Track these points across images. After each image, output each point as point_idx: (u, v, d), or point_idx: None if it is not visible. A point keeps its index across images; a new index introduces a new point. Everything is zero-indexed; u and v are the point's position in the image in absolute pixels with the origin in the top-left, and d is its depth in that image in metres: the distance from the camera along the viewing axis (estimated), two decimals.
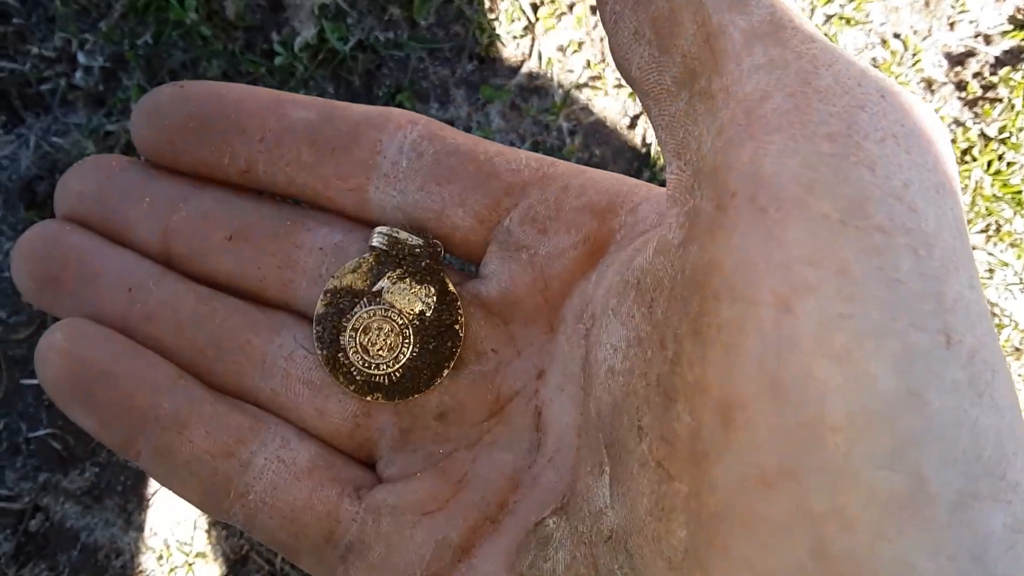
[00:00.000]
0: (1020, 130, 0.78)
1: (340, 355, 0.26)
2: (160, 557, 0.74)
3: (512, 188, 0.25)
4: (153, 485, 0.76)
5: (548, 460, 0.24)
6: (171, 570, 0.74)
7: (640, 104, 0.19)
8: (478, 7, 0.77)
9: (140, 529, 0.75)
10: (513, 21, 0.78)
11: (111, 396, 0.25)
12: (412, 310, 0.26)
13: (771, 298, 0.15)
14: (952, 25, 0.82)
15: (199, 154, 0.26)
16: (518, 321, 0.26)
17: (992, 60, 0.81)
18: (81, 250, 0.26)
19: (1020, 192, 0.78)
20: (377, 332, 0.26)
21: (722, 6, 0.18)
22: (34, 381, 0.75)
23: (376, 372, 0.26)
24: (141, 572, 0.75)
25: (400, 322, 0.26)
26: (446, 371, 0.26)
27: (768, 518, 0.15)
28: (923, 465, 0.14)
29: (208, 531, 0.75)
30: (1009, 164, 0.79)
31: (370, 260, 0.26)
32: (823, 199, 0.15)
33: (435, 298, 0.26)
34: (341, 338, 0.26)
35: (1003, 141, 0.79)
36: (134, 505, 0.75)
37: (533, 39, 0.78)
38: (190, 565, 0.74)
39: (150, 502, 0.75)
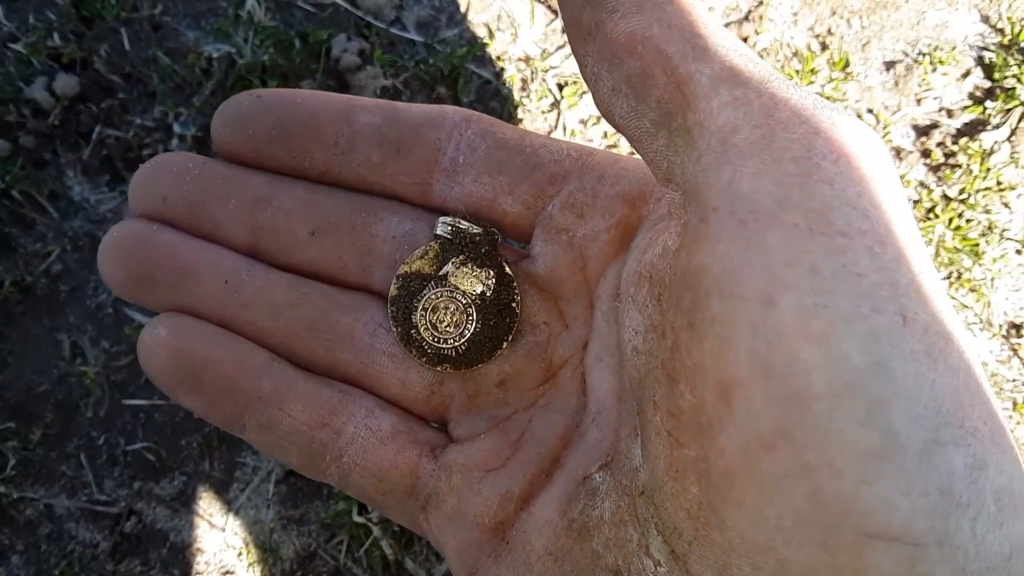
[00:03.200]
0: (977, 191, 0.83)
1: (412, 332, 0.27)
2: (240, 554, 0.80)
3: (555, 177, 0.27)
4: (233, 491, 0.81)
5: (592, 420, 0.25)
6: (249, 565, 0.80)
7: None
8: (512, 87, 0.86)
9: (222, 530, 0.81)
10: (542, 99, 0.86)
11: (215, 380, 0.26)
12: (474, 291, 0.27)
13: (756, 294, 0.17)
14: (919, 101, 0.87)
15: (281, 158, 0.27)
16: (564, 297, 0.27)
17: (954, 131, 0.86)
18: (173, 247, 0.26)
19: (977, 245, 0.83)
20: (444, 311, 0.27)
21: (687, 58, 0.19)
22: (134, 402, 0.82)
23: (444, 346, 0.27)
24: (223, 567, 0.80)
25: (464, 302, 0.27)
26: (505, 343, 0.27)
27: (771, 473, 0.16)
28: (893, 421, 0.15)
29: (281, 532, 0.81)
30: (968, 221, 0.84)
31: (435, 247, 0.27)
32: (793, 211, 0.17)
33: (494, 280, 0.27)
34: (413, 317, 0.27)
35: (962, 201, 0.84)
36: (216, 509, 0.81)
37: (559, 114, 0.86)
38: (265, 561, 0.80)
39: (231, 506, 0.81)
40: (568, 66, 0.87)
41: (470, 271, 0.27)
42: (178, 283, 0.26)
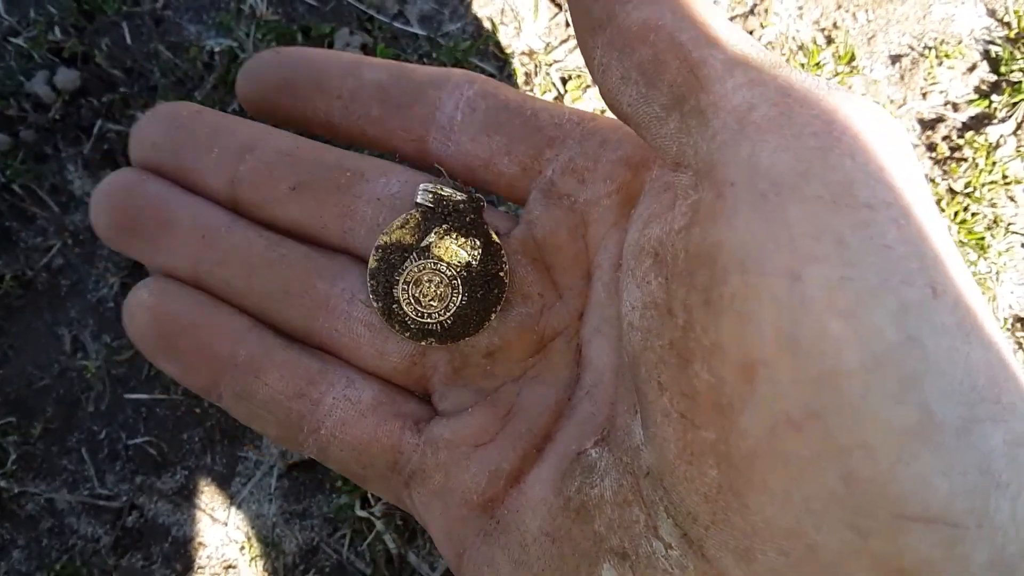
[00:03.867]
0: (983, 185, 0.83)
1: (394, 306, 0.26)
2: (242, 548, 0.80)
3: (553, 140, 0.26)
4: (235, 485, 0.81)
5: (586, 393, 0.25)
6: (251, 560, 0.80)
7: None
8: (515, 81, 0.86)
9: (224, 524, 0.81)
10: (545, 92, 0.86)
11: (193, 346, 0.25)
12: (459, 262, 0.26)
13: (780, 268, 0.16)
14: (925, 95, 0.86)
15: (287, 107, 0.27)
16: (560, 267, 0.26)
17: (959, 125, 0.86)
18: (157, 198, 0.26)
19: (983, 239, 0.83)
20: (427, 284, 0.26)
21: (700, 44, 0.19)
22: (135, 396, 0.82)
23: (429, 320, 0.26)
24: (225, 561, 0.81)
25: (448, 274, 0.26)
26: (493, 315, 0.26)
27: (800, 455, 0.16)
28: (928, 398, 0.15)
29: (284, 526, 0.81)
30: (973, 215, 0.83)
31: (416, 216, 0.26)
32: (816, 184, 0.16)
33: (480, 250, 0.26)
34: (394, 291, 0.26)
35: (968, 195, 0.84)
36: (218, 503, 0.81)
37: None
38: (268, 555, 0.80)
39: (233, 501, 0.81)
40: (572, 60, 0.87)
41: (454, 241, 0.26)
42: (157, 235, 0.26)
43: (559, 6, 0.88)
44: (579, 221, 0.26)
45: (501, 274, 0.26)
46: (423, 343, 0.26)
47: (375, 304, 0.26)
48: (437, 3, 0.88)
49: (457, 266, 0.26)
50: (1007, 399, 0.15)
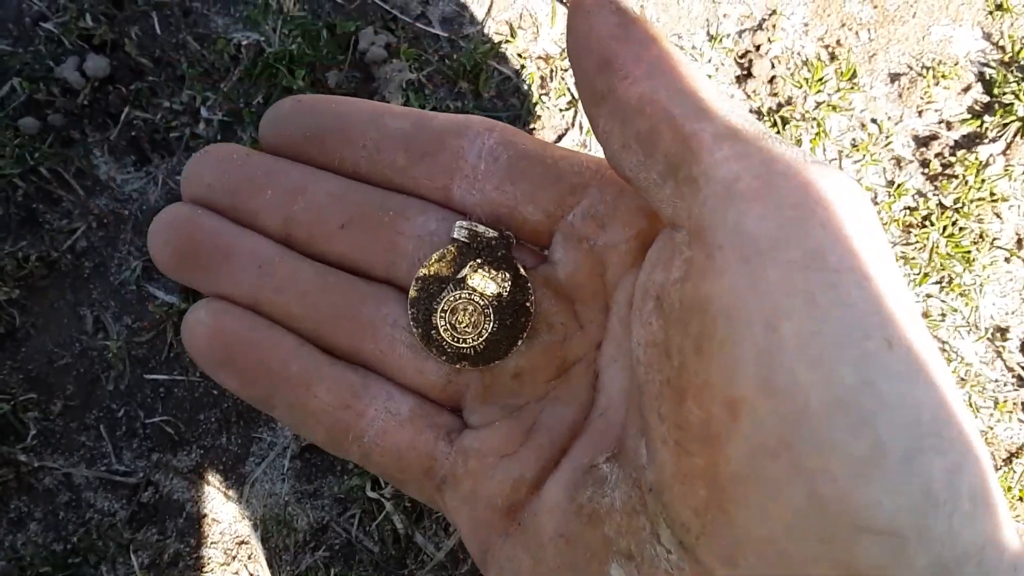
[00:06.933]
0: (971, 201, 0.87)
1: (433, 332, 0.28)
2: (255, 525, 0.82)
3: (575, 188, 0.28)
4: (249, 465, 0.84)
5: (600, 414, 0.27)
6: (263, 536, 0.82)
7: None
8: (531, 84, 0.88)
9: (237, 502, 0.83)
10: (560, 96, 0.89)
11: (250, 362, 0.28)
12: (491, 293, 0.28)
13: (760, 320, 0.18)
14: (920, 113, 0.90)
15: (315, 157, 0.29)
16: (581, 300, 0.28)
17: (952, 143, 0.89)
18: (215, 231, 0.28)
19: (969, 252, 0.86)
20: (463, 312, 0.28)
21: (691, 118, 0.21)
22: (154, 376, 0.85)
23: (463, 345, 0.28)
24: (237, 537, 0.83)
25: (481, 303, 0.28)
26: (521, 342, 0.28)
27: (774, 477, 0.18)
28: (879, 432, 0.17)
29: (295, 505, 0.83)
30: (961, 229, 0.87)
31: (453, 250, 0.28)
32: (792, 249, 0.19)
33: (510, 282, 0.28)
34: (433, 318, 0.28)
35: (957, 210, 0.87)
36: (232, 481, 0.84)
37: (575, 112, 0.89)
38: (280, 532, 0.82)
39: (247, 479, 0.84)
40: None
41: (487, 274, 0.28)
42: (218, 264, 0.28)
43: None
44: (599, 262, 0.27)
45: (528, 304, 0.28)
46: (458, 366, 0.28)
47: (415, 330, 0.28)
48: (458, 5, 0.91)
49: (489, 297, 0.28)
50: (947, 433, 0.18)
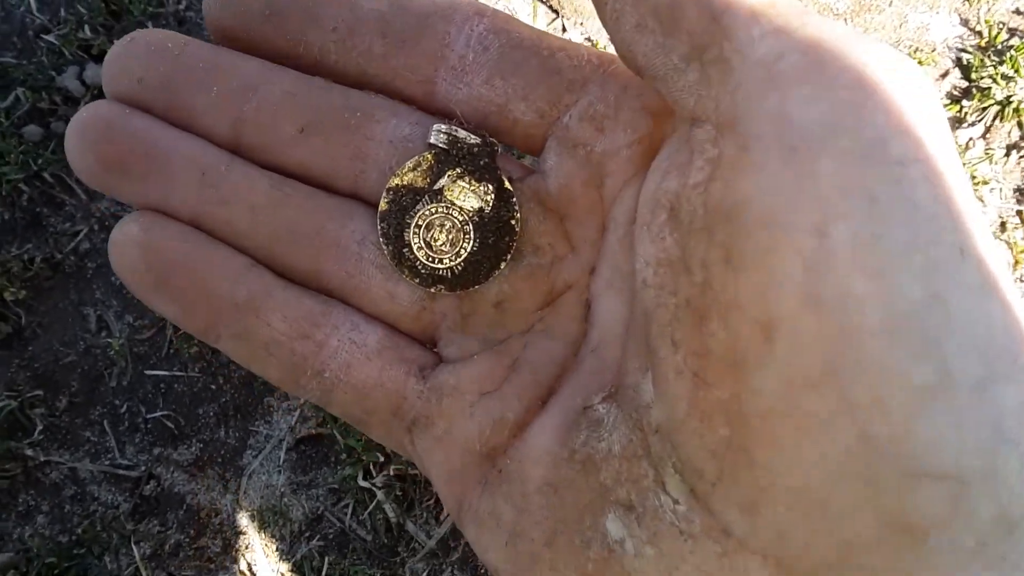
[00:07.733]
0: None
1: (405, 250, 0.25)
2: (252, 516, 0.84)
3: (573, 84, 0.24)
4: (247, 457, 0.85)
5: (592, 351, 0.24)
6: (260, 527, 0.84)
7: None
8: None
9: (235, 493, 0.85)
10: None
11: (188, 284, 0.24)
12: (471, 207, 0.25)
13: (807, 224, 0.16)
14: None
15: (274, 41, 0.25)
16: (574, 218, 0.25)
17: None
18: (148, 134, 0.24)
19: None
20: (439, 228, 0.25)
21: None
22: (155, 372, 0.86)
23: (439, 266, 0.25)
24: (236, 528, 0.85)
25: (460, 219, 0.25)
26: (504, 264, 0.25)
27: (815, 413, 0.15)
28: (947, 356, 0.15)
29: (291, 496, 0.85)
30: None
31: (429, 158, 0.25)
32: (847, 138, 0.16)
33: (493, 195, 0.25)
34: (405, 234, 0.25)
35: None
36: (231, 474, 0.85)
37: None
38: (276, 523, 0.84)
39: (244, 471, 0.85)
40: None
41: (467, 185, 0.25)
42: (150, 173, 0.24)
43: (556, 12, 0.93)
44: (595, 172, 0.24)
45: (513, 221, 0.25)
46: (432, 290, 0.25)
47: (385, 248, 0.25)
48: None
49: (469, 211, 0.25)
50: (1022, 359, 0.15)
